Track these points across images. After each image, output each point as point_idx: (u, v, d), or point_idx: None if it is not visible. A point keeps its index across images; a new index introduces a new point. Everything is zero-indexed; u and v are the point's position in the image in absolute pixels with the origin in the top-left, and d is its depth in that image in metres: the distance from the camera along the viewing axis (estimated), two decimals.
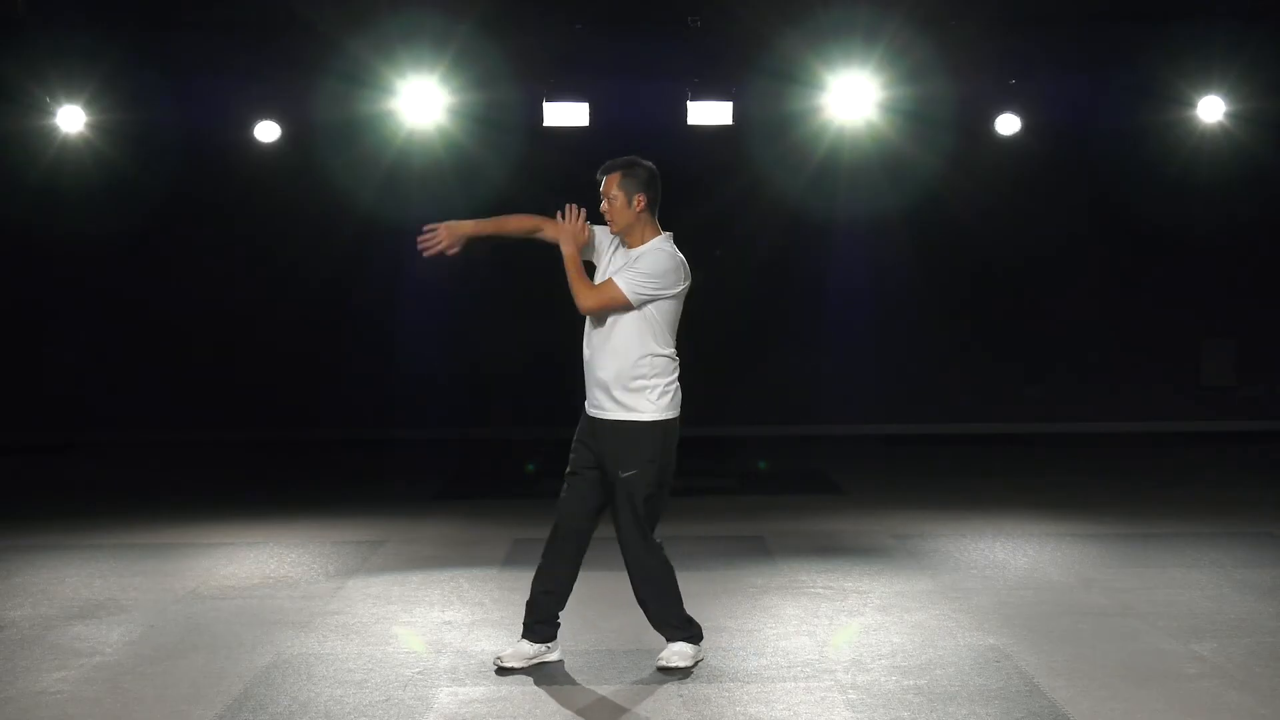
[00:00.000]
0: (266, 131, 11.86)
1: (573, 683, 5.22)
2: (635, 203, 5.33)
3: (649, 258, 5.32)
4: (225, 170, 12.86)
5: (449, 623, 6.15)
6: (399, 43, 10.95)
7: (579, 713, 4.88)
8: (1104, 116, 12.64)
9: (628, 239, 5.39)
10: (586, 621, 5.96)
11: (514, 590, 6.71)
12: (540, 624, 5.38)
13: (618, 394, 5.24)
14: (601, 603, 6.22)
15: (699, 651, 5.41)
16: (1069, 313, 13.57)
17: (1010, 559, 7.43)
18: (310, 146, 12.36)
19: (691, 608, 5.65)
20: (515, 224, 5.52)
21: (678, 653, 5.35)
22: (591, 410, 5.33)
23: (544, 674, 5.30)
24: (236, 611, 6.40)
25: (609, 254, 5.43)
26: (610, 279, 5.30)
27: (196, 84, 11.87)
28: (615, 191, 5.34)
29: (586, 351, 5.36)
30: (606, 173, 5.40)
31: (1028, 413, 13.55)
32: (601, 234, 5.46)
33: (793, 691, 5.07)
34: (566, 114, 11.27)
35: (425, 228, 5.37)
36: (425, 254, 5.38)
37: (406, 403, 13.35)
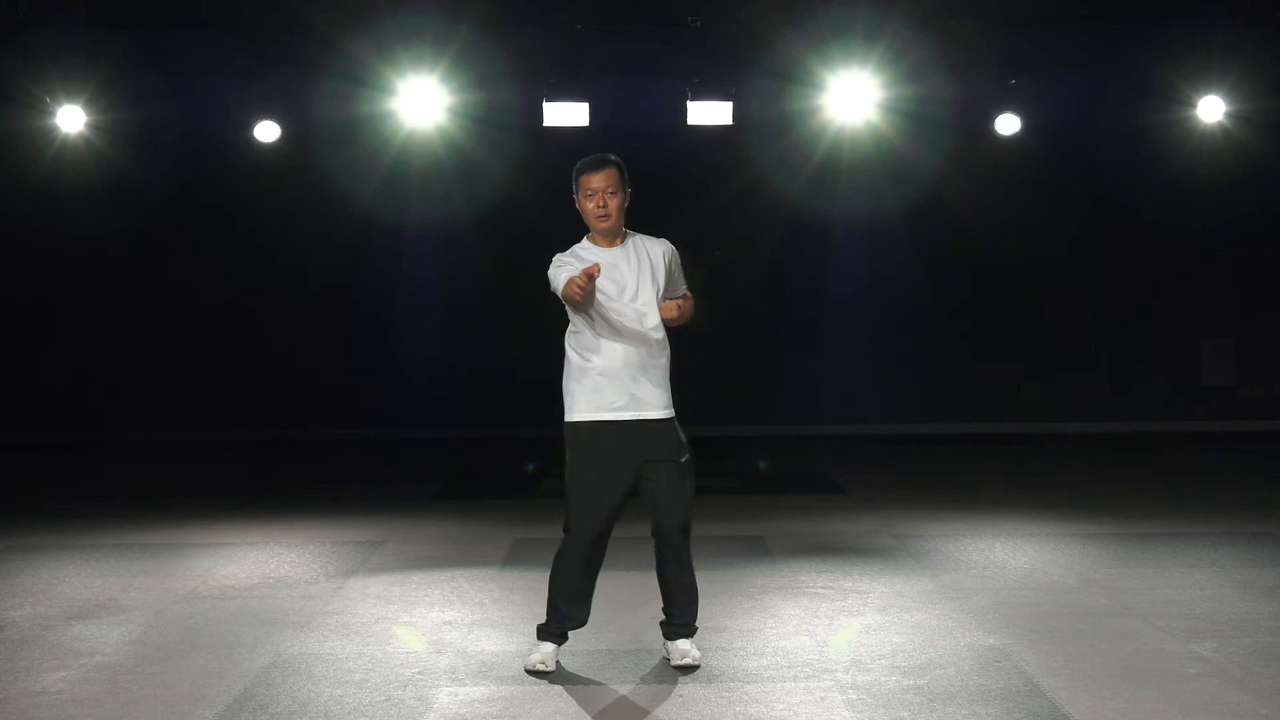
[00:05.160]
0: (266, 131, 11.86)
1: (573, 682, 5.22)
2: (627, 197, 5.34)
3: (673, 249, 5.44)
4: (225, 170, 12.88)
5: (449, 623, 6.15)
6: (399, 43, 10.96)
7: (580, 712, 4.88)
8: (1104, 116, 12.66)
9: (613, 236, 5.32)
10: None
11: (514, 590, 6.72)
12: (565, 634, 5.41)
13: (665, 392, 5.31)
14: (602, 602, 6.21)
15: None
16: (1069, 312, 13.58)
17: (1010, 559, 7.43)
18: (310, 146, 12.38)
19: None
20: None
21: (687, 650, 5.38)
22: (640, 412, 5.23)
23: (544, 674, 5.30)
24: (236, 611, 6.40)
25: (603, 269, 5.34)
26: (683, 299, 5.39)
27: (196, 84, 11.88)
28: (616, 187, 5.28)
29: (621, 350, 5.23)
30: (601, 167, 5.27)
31: (1028, 413, 13.56)
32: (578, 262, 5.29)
33: (793, 691, 5.07)
34: (566, 114, 11.26)
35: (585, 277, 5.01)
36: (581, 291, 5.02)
37: (406, 403, 13.36)
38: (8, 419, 13.19)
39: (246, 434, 13.25)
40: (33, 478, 11.56)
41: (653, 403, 5.25)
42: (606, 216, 5.28)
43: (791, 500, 9.70)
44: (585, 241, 5.38)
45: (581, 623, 5.40)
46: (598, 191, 5.26)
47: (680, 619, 5.43)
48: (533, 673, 5.30)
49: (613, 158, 5.33)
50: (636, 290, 5.27)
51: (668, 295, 5.38)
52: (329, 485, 10.79)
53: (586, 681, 5.23)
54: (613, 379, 5.22)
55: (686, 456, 5.31)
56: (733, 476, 10.96)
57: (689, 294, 5.50)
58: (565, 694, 5.08)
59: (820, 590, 6.71)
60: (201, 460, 12.25)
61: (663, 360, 5.32)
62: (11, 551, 7.89)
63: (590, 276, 4.99)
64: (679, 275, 5.46)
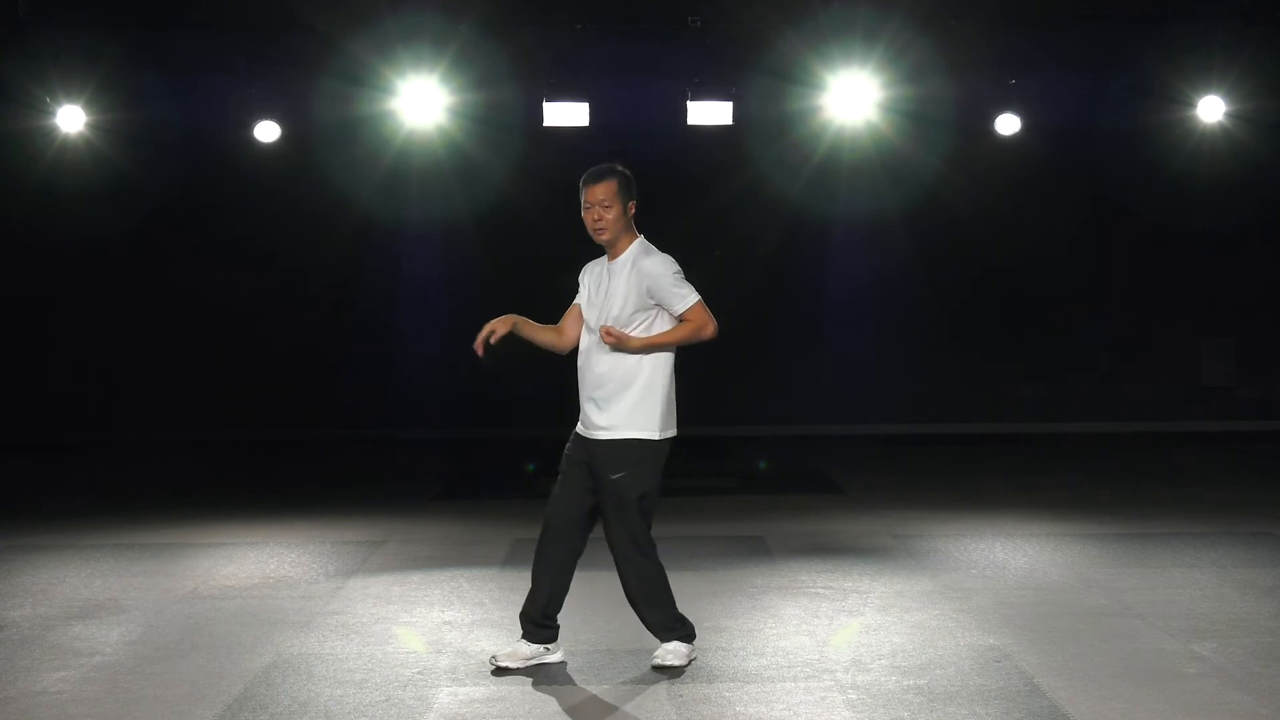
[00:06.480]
0: (266, 131, 11.86)
1: (573, 683, 5.22)
2: (628, 210, 5.29)
3: (665, 262, 5.26)
4: (225, 170, 12.88)
5: (449, 623, 6.15)
6: (399, 43, 10.96)
7: (579, 713, 4.88)
8: (1104, 116, 12.66)
9: (612, 247, 5.31)
10: (586, 621, 5.96)
11: (514, 590, 6.71)
12: (536, 626, 5.38)
13: (613, 412, 5.30)
14: (602, 602, 6.22)
15: (692, 650, 5.41)
16: (1068, 312, 13.58)
17: (1010, 559, 7.43)
18: (310, 146, 12.38)
19: (691, 608, 5.65)
20: (543, 336, 5.45)
21: (672, 651, 5.35)
22: (587, 430, 5.33)
23: (544, 674, 5.30)
24: (236, 611, 6.40)
25: (594, 281, 5.38)
26: (697, 304, 5.23)
27: (196, 84, 11.88)
28: (612, 200, 5.23)
29: (581, 367, 5.34)
30: (599, 179, 5.25)
31: (1028, 413, 13.55)
32: (585, 275, 5.44)
33: (793, 691, 5.07)
34: (566, 114, 11.26)
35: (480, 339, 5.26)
36: (478, 350, 5.29)
37: (406, 403, 13.36)
38: (8, 419, 13.18)
39: (246, 434, 13.25)
40: (33, 478, 11.56)
41: (597, 422, 5.26)
42: (602, 230, 5.26)
43: (791, 500, 9.70)
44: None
45: (540, 603, 5.32)
46: (594, 205, 5.25)
47: (656, 624, 5.39)
48: (495, 670, 5.28)
49: (616, 169, 5.29)
50: (598, 314, 5.29)
51: (672, 311, 5.28)
52: (329, 485, 10.80)
53: (586, 681, 5.23)
54: (580, 393, 5.34)
55: (619, 475, 5.19)
56: (733, 476, 10.96)
57: (687, 318, 5.23)
58: (565, 694, 5.08)
59: (820, 590, 6.71)
60: (201, 460, 12.25)
61: (613, 382, 5.22)
62: (11, 551, 7.89)
63: (487, 338, 5.25)
64: (666, 296, 5.23)
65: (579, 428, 5.36)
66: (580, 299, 5.43)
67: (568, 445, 5.40)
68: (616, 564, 5.36)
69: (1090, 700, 4.91)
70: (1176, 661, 5.41)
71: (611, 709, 4.92)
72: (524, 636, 5.39)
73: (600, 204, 5.24)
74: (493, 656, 5.38)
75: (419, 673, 5.35)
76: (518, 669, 5.31)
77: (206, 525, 8.74)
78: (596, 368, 5.27)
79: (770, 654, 5.56)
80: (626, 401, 5.23)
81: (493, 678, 5.27)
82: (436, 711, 4.88)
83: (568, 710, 4.90)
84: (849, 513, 9.06)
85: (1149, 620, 6.05)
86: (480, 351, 5.27)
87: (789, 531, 8.32)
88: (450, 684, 5.20)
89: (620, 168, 5.31)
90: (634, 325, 5.23)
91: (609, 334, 5.17)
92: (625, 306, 5.23)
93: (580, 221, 5.33)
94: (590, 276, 5.42)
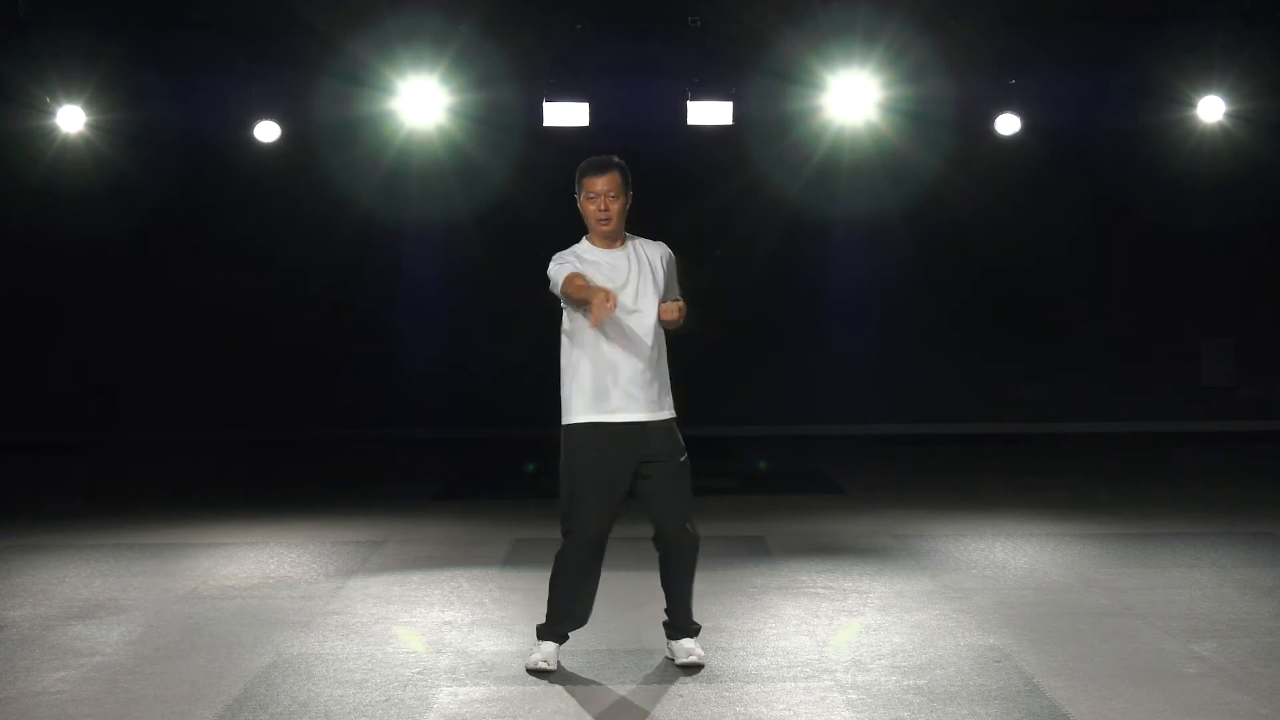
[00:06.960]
0: (266, 131, 11.86)
1: (573, 682, 5.22)
2: (629, 201, 5.34)
3: (670, 253, 5.41)
4: (225, 170, 12.88)
5: (449, 623, 6.15)
6: (399, 43, 10.97)
7: (580, 712, 4.88)
8: (1104, 116, 12.66)
9: (615, 237, 5.33)
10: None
11: (514, 590, 6.72)
12: (565, 634, 5.41)
13: (665, 394, 5.32)
14: (602, 602, 6.20)
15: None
16: (1069, 312, 13.58)
17: (1010, 559, 7.43)
18: (310, 146, 12.38)
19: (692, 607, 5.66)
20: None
21: (692, 649, 5.39)
22: (638, 415, 5.21)
23: (544, 674, 5.30)
24: (236, 611, 6.40)
25: (598, 262, 5.30)
26: (680, 301, 5.31)
27: (196, 84, 11.89)
28: (618, 191, 5.27)
29: (620, 353, 5.21)
30: (605, 170, 5.27)
31: (1028, 413, 13.56)
32: (579, 260, 5.30)
33: (793, 691, 5.07)
34: (566, 114, 11.27)
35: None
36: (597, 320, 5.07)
37: (406, 403, 13.36)
38: (8, 419, 13.19)
39: (246, 434, 13.25)
40: (33, 478, 11.56)
41: (651, 405, 5.24)
42: (608, 220, 5.28)
43: (791, 500, 9.70)
44: (585, 242, 5.38)
45: (582, 621, 5.41)
46: (600, 195, 5.26)
47: (682, 620, 5.43)
48: (534, 672, 5.30)
49: (616, 160, 5.33)
50: (637, 292, 5.26)
51: (664, 299, 5.39)
52: (329, 485, 10.80)
53: (586, 681, 5.23)
54: (612, 381, 5.21)
55: (685, 457, 5.31)
56: (733, 476, 10.96)
57: (680, 300, 5.42)
58: (565, 694, 5.08)
59: (820, 590, 6.71)
60: (201, 460, 12.25)
61: (661, 362, 5.32)
62: (11, 551, 7.89)
63: (612, 304, 5.01)
64: (674, 280, 5.42)
65: (619, 416, 5.19)
66: (600, 279, 5.19)
67: (599, 451, 5.18)
68: (673, 550, 5.32)
69: (1090, 700, 4.91)
70: (1176, 661, 5.41)
71: (611, 708, 4.92)
72: (548, 639, 5.38)
73: (607, 194, 5.26)
74: (530, 665, 5.32)
75: (419, 673, 5.35)
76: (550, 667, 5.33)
77: (206, 525, 8.74)
78: (651, 350, 5.24)
79: (770, 654, 5.57)
80: (668, 382, 5.35)
81: (493, 678, 5.27)
82: (436, 711, 4.88)
83: (568, 710, 4.90)
84: (849, 513, 9.06)
85: (1149, 620, 6.05)
86: (612, 306, 5.00)
87: (789, 531, 8.32)
88: (450, 684, 5.20)
89: (619, 160, 5.35)
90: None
91: (679, 311, 5.22)
92: (663, 289, 5.32)
93: (578, 217, 5.34)
94: (586, 260, 5.27)
